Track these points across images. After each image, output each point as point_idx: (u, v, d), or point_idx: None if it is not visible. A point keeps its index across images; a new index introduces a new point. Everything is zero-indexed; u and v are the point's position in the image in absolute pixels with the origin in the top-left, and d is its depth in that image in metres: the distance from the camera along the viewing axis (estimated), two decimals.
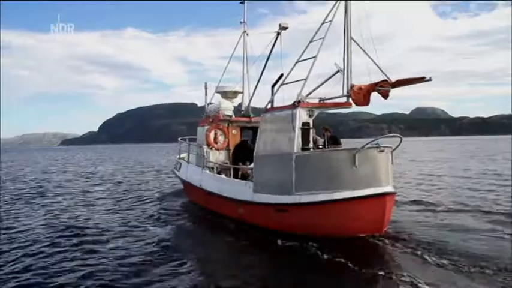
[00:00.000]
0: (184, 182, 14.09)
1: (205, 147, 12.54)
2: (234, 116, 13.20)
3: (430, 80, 7.47)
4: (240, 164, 11.70)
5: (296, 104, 8.86)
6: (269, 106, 9.77)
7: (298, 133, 8.79)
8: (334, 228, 8.26)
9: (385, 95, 8.06)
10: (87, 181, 23.06)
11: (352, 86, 8.77)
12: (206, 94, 14.05)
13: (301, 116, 8.90)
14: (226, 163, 12.53)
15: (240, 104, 13.64)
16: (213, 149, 12.61)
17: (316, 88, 9.07)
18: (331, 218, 8.26)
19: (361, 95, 8.28)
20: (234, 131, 13.06)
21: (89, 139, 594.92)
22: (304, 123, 8.94)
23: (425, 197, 13.94)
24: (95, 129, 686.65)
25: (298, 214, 8.61)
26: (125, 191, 17.70)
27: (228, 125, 12.98)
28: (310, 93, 9.01)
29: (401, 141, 8.44)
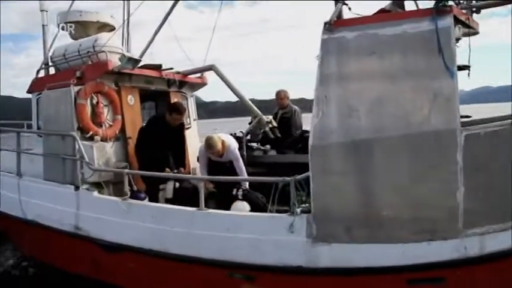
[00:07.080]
0: (11, 219, 6.01)
1: (77, 137, 5.31)
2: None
3: None
4: (169, 170, 5.37)
5: (440, 8, 3.52)
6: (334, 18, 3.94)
7: (455, 80, 3.57)
8: None
9: None
10: None
11: None
12: (45, 24, 6.45)
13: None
14: (126, 167, 5.68)
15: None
16: (98, 138, 5.50)
17: None
18: None
19: None
20: (129, 98, 6.13)
21: None
22: None
23: None
24: None
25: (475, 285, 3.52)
26: None
27: (118, 85, 6.00)
28: None
29: None
